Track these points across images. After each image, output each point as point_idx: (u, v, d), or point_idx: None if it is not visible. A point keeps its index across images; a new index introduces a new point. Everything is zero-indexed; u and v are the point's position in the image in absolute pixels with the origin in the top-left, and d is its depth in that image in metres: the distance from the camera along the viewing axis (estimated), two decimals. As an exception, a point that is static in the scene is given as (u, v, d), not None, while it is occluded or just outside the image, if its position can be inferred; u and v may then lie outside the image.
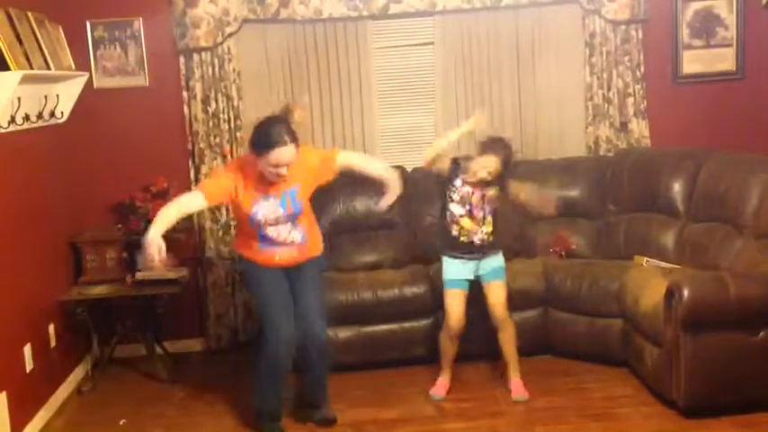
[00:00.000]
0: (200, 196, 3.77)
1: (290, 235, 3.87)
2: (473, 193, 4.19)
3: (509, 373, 4.35)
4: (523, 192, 4.24)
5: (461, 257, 4.25)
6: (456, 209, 4.22)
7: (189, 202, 3.81)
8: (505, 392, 4.33)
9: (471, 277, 4.28)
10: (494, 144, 4.18)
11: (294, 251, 3.90)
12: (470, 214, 4.21)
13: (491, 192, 4.21)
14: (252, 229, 3.84)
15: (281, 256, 3.89)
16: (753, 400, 3.88)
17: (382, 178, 3.93)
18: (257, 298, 4.08)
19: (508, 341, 4.32)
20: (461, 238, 4.23)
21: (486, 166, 4.12)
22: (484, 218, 4.22)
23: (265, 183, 3.75)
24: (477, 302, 4.31)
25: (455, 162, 4.23)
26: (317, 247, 4.05)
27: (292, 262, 3.93)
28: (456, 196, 4.22)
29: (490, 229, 4.23)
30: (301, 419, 4.17)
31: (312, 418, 4.15)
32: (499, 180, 4.20)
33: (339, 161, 3.92)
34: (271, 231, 3.82)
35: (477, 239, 4.23)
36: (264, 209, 3.77)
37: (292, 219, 3.84)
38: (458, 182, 4.22)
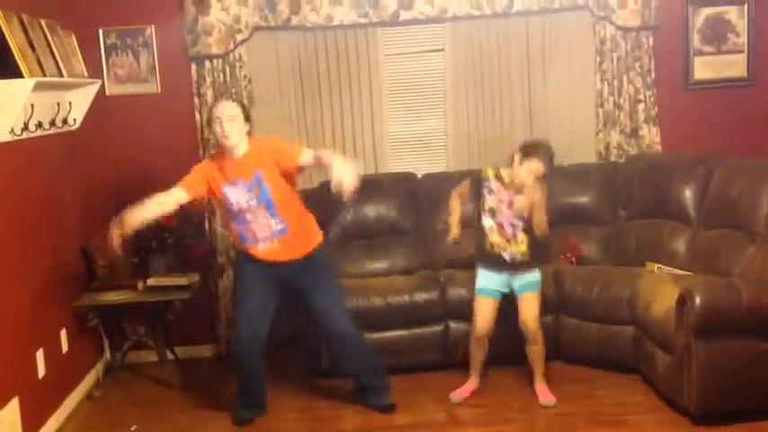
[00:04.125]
0: (178, 188, 4.00)
1: (268, 222, 3.94)
2: (501, 201, 4.18)
3: (535, 381, 4.35)
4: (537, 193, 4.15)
5: (493, 269, 4.26)
6: (486, 221, 4.23)
7: (167, 196, 4.00)
8: (517, 399, 4.33)
9: (503, 290, 4.28)
10: (536, 149, 4.14)
11: (276, 245, 3.98)
12: (500, 228, 4.20)
13: (520, 200, 4.14)
14: (235, 222, 4.00)
15: (263, 248, 3.99)
16: (765, 408, 3.86)
17: (330, 162, 3.72)
18: (233, 293, 4.38)
19: (537, 358, 4.31)
20: (492, 252, 4.23)
21: (535, 171, 4.10)
22: (515, 234, 4.20)
23: (229, 170, 3.95)
24: (502, 310, 4.30)
25: (478, 178, 4.25)
26: (308, 241, 4.09)
27: (278, 257, 4.00)
28: (486, 207, 4.23)
29: (523, 248, 4.20)
30: (362, 404, 4.34)
31: (368, 403, 4.31)
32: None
33: (303, 156, 3.93)
34: (249, 217, 3.94)
35: (507, 256, 4.21)
36: (234, 193, 3.94)
37: (267, 206, 3.92)
38: (485, 192, 4.23)
